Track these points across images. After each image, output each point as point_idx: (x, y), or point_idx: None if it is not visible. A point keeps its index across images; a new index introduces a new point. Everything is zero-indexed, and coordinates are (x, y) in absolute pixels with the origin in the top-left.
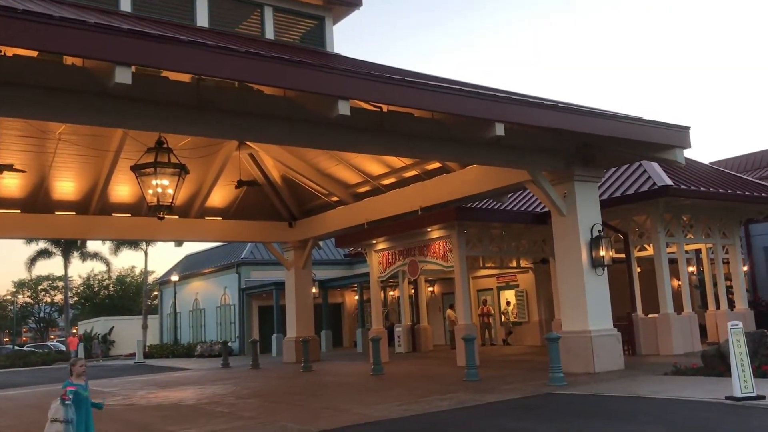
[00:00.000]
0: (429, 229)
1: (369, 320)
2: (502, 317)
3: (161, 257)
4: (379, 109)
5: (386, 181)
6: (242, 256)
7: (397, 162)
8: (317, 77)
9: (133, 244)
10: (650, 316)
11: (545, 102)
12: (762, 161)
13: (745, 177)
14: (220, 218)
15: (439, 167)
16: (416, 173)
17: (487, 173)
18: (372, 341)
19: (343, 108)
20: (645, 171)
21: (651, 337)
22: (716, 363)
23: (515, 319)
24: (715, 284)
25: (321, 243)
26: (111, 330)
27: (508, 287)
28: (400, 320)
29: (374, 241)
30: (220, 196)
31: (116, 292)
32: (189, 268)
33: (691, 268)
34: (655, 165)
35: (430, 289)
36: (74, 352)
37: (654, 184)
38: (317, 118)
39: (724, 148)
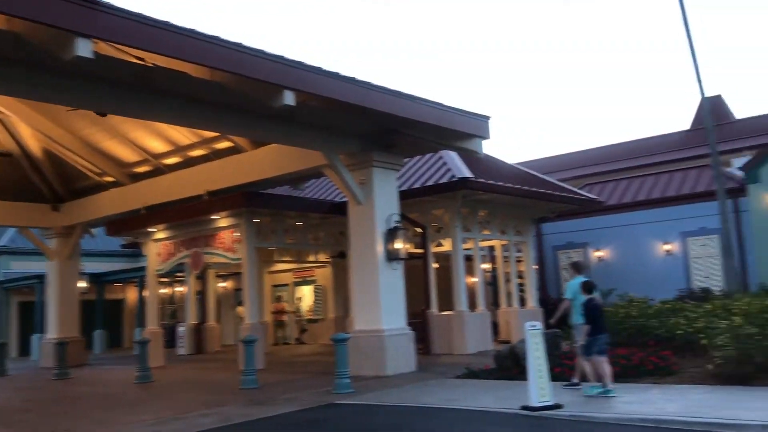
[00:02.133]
0: (215, 217)
1: None
2: (294, 315)
3: None
4: (142, 62)
5: (169, 161)
6: (1, 244)
7: (182, 139)
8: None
9: None
10: (445, 313)
11: (343, 75)
12: (563, 164)
13: (541, 176)
14: None
15: (230, 147)
16: (204, 153)
17: (283, 156)
18: (139, 344)
19: (84, 48)
20: (445, 163)
21: (445, 336)
22: (509, 364)
23: (310, 316)
24: (507, 281)
25: (95, 231)
26: None
27: (305, 282)
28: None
29: (152, 229)
30: None
31: None
32: None
33: (485, 265)
34: (456, 157)
35: (223, 284)
36: None
37: (453, 175)
38: (53, 62)
39: (535, 150)
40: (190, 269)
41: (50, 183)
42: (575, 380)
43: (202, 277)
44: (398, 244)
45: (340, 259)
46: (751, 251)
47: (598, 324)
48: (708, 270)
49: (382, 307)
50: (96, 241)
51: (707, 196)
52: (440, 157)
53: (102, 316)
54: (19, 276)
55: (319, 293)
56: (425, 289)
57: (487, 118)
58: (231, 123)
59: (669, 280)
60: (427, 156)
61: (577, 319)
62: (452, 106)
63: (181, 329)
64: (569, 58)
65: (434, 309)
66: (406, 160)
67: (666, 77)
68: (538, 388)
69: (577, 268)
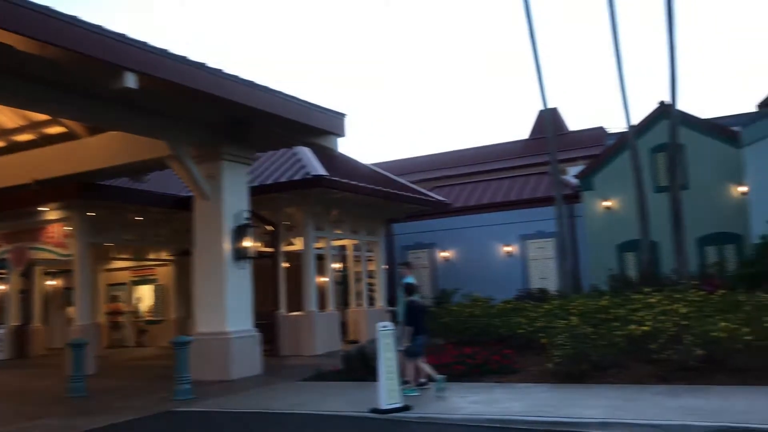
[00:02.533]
0: (44, 209)
1: None
2: (133, 317)
3: None
4: None
5: None
6: None
7: (5, 121)
8: None
9: None
10: (294, 314)
11: (192, 60)
12: (414, 166)
13: (393, 177)
14: None
15: (63, 133)
16: (32, 137)
17: (122, 144)
18: None
19: None
20: (299, 159)
21: (293, 337)
22: (358, 365)
23: (150, 318)
24: (357, 281)
25: None
26: None
27: (145, 282)
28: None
29: None
30: None
31: None
32: None
33: (335, 265)
34: (310, 154)
35: (52, 282)
36: None
37: (308, 173)
38: None
39: (388, 152)
40: (11, 266)
41: None
42: (422, 380)
43: (27, 275)
44: (247, 243)
45: (183, 257)
46: (584, 254)
47: (418, 326)
48: (544, 271)
49: (227, 308)
50: None
51: (545, 201)
52: (294, 154)
53: None
54: None
55: (159, 293)
56: (274, 288)
57: (344, 115)
58: (65, 105)
59: (509, 280)
60: (281, 152)
61: (401, 319)
62: (309, 101)
63: (1, 331)
64: (421, 65)
65: (283, 309)
66: (259, 154)
67: (508, 87)
68: (388, 390)
69: (408, 267)
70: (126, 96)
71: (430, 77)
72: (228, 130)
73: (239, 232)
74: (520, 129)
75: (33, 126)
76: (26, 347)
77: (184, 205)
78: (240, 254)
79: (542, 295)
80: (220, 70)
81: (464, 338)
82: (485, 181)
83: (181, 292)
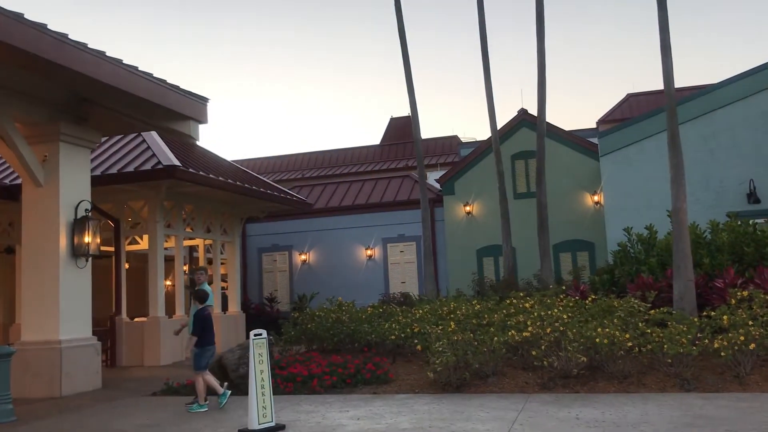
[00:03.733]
0: None
1: None
2: None
3: None
4: None
5: None
6: None
7: None
8: None
9: None
10: (137, 320)
11: (28, 19)
12: (270, 166)
13: (253, 173)
14: None
15: None
16: None
17: None
18: None
19: None
20: (149, 147)
21: (136, 345)
22: (216, 377)
23: None
24: (210, 284)
25: None
26: None
27: None
28: None
29: None
30: None
31: None
32: None
33: (184, 267)
34: (160, 142)
35: None
36: None
37: (159, 162)
38: None
39: (243, 150)
40: None
41: None
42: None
43: None
44: (88, 238)
45: (6, 254)
46: (444, 257)
47: (207, 335)
48: (404, 275)
49: (61, 312)
50: None
51: (407, 204)
52: (142, 141)
53: None
54: None
55: None
56: (116, 292)
57: (206, 100)
58: None
59: (370, 284)
60: (128, 138)
61: (191, 329)
62: (166, 81)
63: None
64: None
65: (124, 315)
66: (104, 139)
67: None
68: (260, 407)
69: (204, 273)
70: None
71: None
72: (68, 108)
73: (79, 226)
74: (369, 135)
75: None
76: None
77: (9, 194)
78: (79, 251)
79: (405, 299)
80: (64, 35)
81: (329, 346)
82: (346, 182)
83: (2, 295)
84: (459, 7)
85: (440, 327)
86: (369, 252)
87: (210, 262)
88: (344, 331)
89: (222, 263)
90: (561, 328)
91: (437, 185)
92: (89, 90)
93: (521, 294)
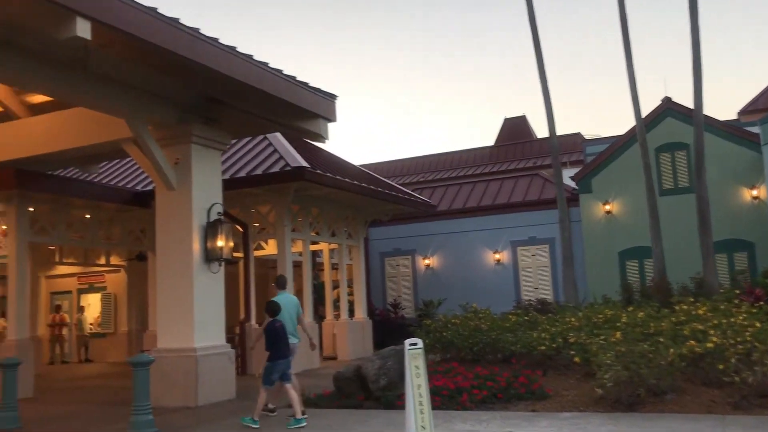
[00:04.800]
0: None
1: None
2: (74, 328)
3: None
4: None
5: None
6: None
7: None
8: None
9: None
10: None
11: (162, 14)
12: (382, 171)
13: (375, 175)
14: None
15: None
16: None
17: (71, 125)
18: None
19: None
20: (275, 150)
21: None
22: (354, 389)
23: (95, 330)
24: (334, 290)
25: None
26: None
27: (92, 290)
28: None
29: None
30: None
31: None
32: None
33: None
34: (287, 144)
35: None
36: None
37: (287, 165)
38: None
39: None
40: None
41: None
42: (271, 406)
43: None
44: (220, 242)
45: (137, 262)
46: (580, 261)
47: (277, 349)
48: (537, 281)
49: (195, 319)
50: None
51: (538, 205)
52: (269, 144)
53: None
54: None
55: (108, 303)
56: (244, 297)
57: (335, 97)
58: (4, 65)
59: (499, 290)
60: (252, 141)
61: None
62: (295, 77)
63: None
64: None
65: (253, 321)
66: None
67: (471, 94)
68: (419, 427)
69: (279, 283)
70: (78, 58)
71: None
72: (199, 109)
73: (211, 230)
74: (476, 138)
75: None
76: None
77: (141, 201)
78: (212, 256)
79: (543, 306)
80: (196, 30)
81: (467, 356)
82: (469, 183)
83: (134, 302)
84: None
85: (601, 337)
86: (497, 256)
87: (334, 267)
88: (484, 340)
89: (335, 267)
90: (748, 338)
91: (572, 183)
92: (219, 89)
93: (690, 299)
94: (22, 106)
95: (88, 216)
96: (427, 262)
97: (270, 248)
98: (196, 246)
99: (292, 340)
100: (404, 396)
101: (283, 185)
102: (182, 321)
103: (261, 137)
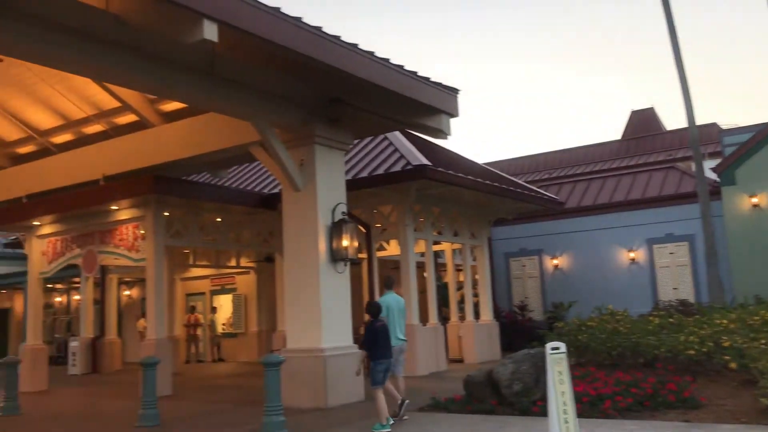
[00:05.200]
0: (115, 207)
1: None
2: (207, 329)
3: None
4: None
5: (59, 139)
6: None
7: (74, 111)
8: None
9: None
10: None
11: (284, 12)
12: (504, 169)
13: (498, 172)
14: None
15: (134, 122)
16: (102, 128)
17: (199, 131)
18: (6, 366)
19: None
20: (396, 149)
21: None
22: (486, 394)
23: (226, 330)
24: (458, 290)
25: None
26: None
27: (224, 291)
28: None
29: (36, 222)
30: None
31: None
32: None
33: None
34: (406, 143)
35: (128, 292)
36: None
37: (408, 163)
38: None
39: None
40: (83, 272)
41: None
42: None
43: (101, 284)
44: (345, 241)
45: (265, 263)
46: (724, 259)
47: (378, 349)
48: (676, 280)
49: (323, 319)
50: None
51: (675, 199)
52: (389, 143)
53: None
54: None
55: (238, 304)
56: (369, 298)
57: (457, 91)
58: (138, 71)
59: (634, 291)
60: (371, 142)
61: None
62: (416, 72)
63: (74, 344)
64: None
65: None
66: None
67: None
68: None
69: (386, 283)
70: (205, 62)
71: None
72: (321, 109)
73: (336, 229)
74: (599, 132)
75: (102, 115)
76: (100, 361)
77: (268, 203)
78: (338, 255)
79: (685, 307)
80: (319, 28)
81: (605, 360)
82: (598, 179)
83: (263, 303)
84: None
85: (762, 341)
86: (631, 254)
87: (458, 268)
88: (624, 344)
89: (458, 268)
90: None
91: (713, 176)
92: (341, 88)
93: None
94: (157, 115)
95: (218, 219)
96: (555, 262)
97: (391, 249)
98: (322, 246)
99: (397, 342)
100: (541, 402)
101: (404, 184)
102: (310, 321)
103: (381, 137)
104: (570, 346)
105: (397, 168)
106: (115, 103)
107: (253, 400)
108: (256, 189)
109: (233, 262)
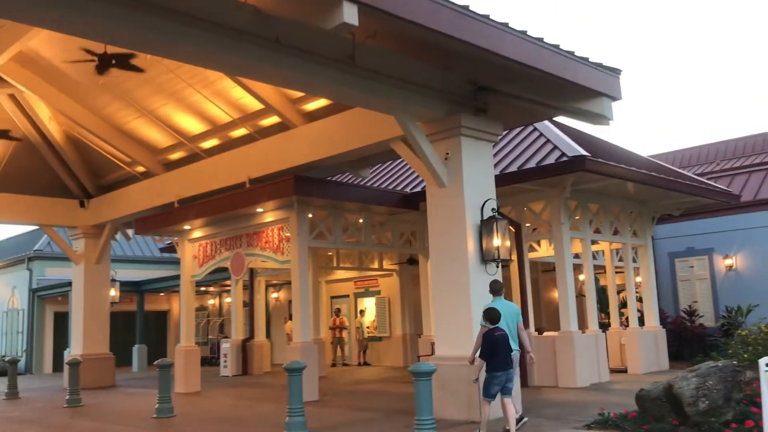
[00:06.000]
0: (260, 209)
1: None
2: (354, 332)
3: None
4: None
5: (207, 144)
6: (35, 248)
7: (220, 115)
8: None
9: None
10: (547, 334)
11: None
12: (688, 158)
13: (660, 163)
14: None
15: (277, 123)
16: (246, 132)
17: (341, 130)
18: (159, 368)
19: None
20: (548, 140)
21: (547, 363)
22: (663, 411)
23: (372, 333)
24: (618, 294)
25: (131, 232)
26: None
27: (367, 294)
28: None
29: (187, 227)
30: None
31: None
32: None
33: (581, 276)
34: (558, 133)
35: (275, 295)
36: None
37: (563, 155)
38: None
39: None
40: (232, 274)
41: (76, 175)
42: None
43: (250, 287)
44: (497, 240)
45: (409, 265)
46: None
47: (495, 360)
48: None
49: (474, 324)
50: (138, 246)
51: None
52: (539, 135)
53: (142, 329)
54: (54, 283)
55: (382, 306)
56: (521, 303)
57: (619, 71)
58: (276, 65)
59: None
60: (519, 133)
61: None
62: (573, 52)
63: (225, 346)
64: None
65: (531, 329)
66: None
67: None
68: None
69: (493, 289)
70: (347, 54)
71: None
72: (465, 98)
73: (486, 228)
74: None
75: (246, 118)
76: (249, 363)
77: (410, 203)
78: (488, 256)
79: None
80: (466, 7)
81: None
82: None
83: (407, 305)
84: None
85: None
86: None
87: (617, 270)
88: None
89: (618, 270)
90: None
91: None
92: (489, 74)
93: None
94: (298, 115)
95: (360, 220)
96: (728, 262)
97: (542, 250)
98: (471, 246)
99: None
100: (735, 425)
101: (558, 178)
102: (460, 326)
103: (528, 128)
104: (755, 357)
105: (550, 160)
106: (259, 106)
107: (402, 409)
108: (399, 188)
109: (375, 265)
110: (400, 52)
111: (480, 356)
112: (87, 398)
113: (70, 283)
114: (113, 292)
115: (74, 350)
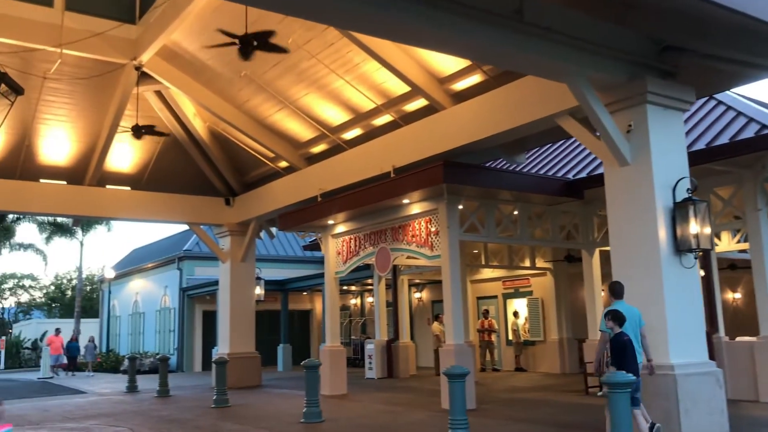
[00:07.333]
0: (406, 200)
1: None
2: (511, 334)
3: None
4: None
5: (349, 134)
6: (185, 248)
7: (362, 103)
8: None
9: (67, 232)
10: (740, 339)
11: None
12: None
13: None
14: (129, 188)
15: (423, 107)
16: (391, 119)
17: (494, 108)
18: (306, 369)
19: None
20: (740, 113)
21: (742, 373)
22: None
23: (526, 337)
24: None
25: (275, 230)
26: (43, 335)
27: (517, 294)
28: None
29: (330, 221)
30: (126, 156)
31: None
32: (132, 263)
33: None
34: (749, 103)
35: (418, 295)
36: (56, 357)
37: (763, 127)
38: None
39: None
40: (376, 272)
41: (221, 172)
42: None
43: (393, 286)
44: (694, 227)
45: (565, 263)
46: None
47: (626, 365)
48: None
49: (668, 327)
50: (282, 245)
51: None
52: (727, 106)
53: (287, 328)
54: (202, 282)
55: (535, 308)
56: (708, 302)
57: None
58: (430, 24)
59: None
60: (700, 107)
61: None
62: None
63: (370, 347)
64: None
65: (722, 333)
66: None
67: None
68: None
69: (614, 291)
70: (514, 9)
71: None
72: (649, 59)
73: (681, 212)
74: None
75: (390, 104)
76: (394, 365)
77: (572, 191)
78: (683, 245)
79: None
80: None
81: None
82: None
83: (563, 308)
84: None
85: None
86: None
87: None
88: None
89: None
90: None
91: None
92: (677, 28)
93: None
94: (446, 96)
95: (515, 212)
96: None
97: (722, 244)
98: (662, 233)
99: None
100: None
101: (755, 156)
102: (651, 329)
103: (710, 101)
104: None
105: (746, 135)
106: (404, 89)
107: (568, 423)
108: (558, 174)
109: (527, 263)
110: (572, 6)
111: (612, 363)
112: (234, 398)
113: (217, 282)
114: (258, 290)
115: (221, 349)
